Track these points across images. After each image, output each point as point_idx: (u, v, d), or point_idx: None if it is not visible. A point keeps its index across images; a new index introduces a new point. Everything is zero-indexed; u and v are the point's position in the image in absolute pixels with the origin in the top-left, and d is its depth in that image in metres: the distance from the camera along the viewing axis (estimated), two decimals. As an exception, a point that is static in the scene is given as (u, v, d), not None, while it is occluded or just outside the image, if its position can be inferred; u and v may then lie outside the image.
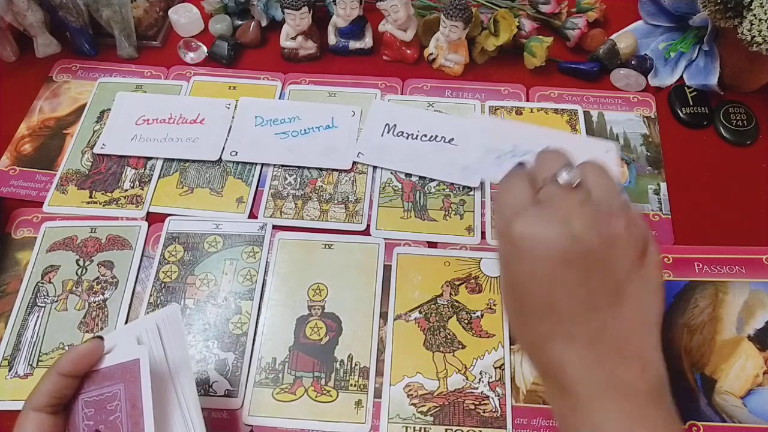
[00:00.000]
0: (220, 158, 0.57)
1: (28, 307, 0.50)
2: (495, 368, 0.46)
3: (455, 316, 0.49)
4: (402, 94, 0.62)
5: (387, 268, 0.51)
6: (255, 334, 0.48)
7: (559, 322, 0.32)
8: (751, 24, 0.50)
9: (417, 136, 0.58)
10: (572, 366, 0.32)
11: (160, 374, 0.37)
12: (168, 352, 0.37)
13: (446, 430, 0.44)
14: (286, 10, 0.60)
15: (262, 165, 0.57)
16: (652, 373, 0.33)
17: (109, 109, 0.61)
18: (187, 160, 0.58)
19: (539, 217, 0.32)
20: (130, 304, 0.50)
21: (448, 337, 0.48)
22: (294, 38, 0.63)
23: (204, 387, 0.46)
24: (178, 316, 0.38)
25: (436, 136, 0.58)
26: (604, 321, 0.32)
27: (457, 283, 0.50)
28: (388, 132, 0.58)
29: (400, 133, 0.58)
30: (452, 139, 0.58)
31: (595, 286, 0.32)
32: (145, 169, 0.57)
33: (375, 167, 0.57)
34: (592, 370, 0.32)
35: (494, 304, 0.49)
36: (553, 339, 0.33)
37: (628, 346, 0.32)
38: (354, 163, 0.57)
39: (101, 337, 0.36)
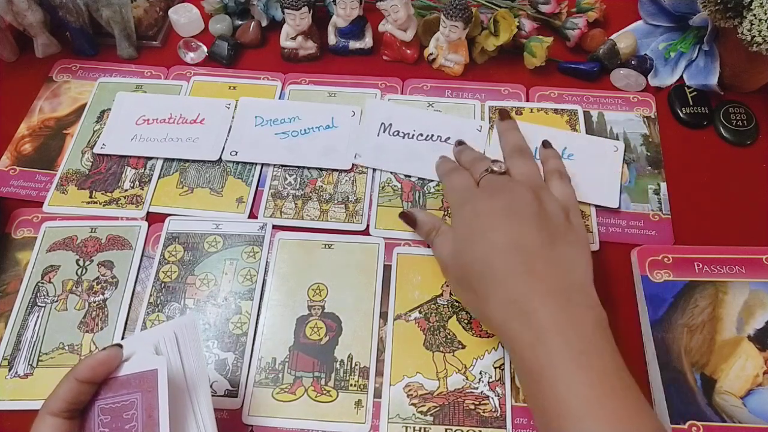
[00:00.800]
0: (220, 158, 0.57)
1: (28, 307, 0.50)
2: (495, 368, 0.46)
3: (455, 316, 0.49)
4: (402, 93, 0.62)
5: (387, 268, 0.51)
6: (255, 334, 0.48)
7: (516, 271, 0.40)
8: (751, 24, 0.50)
9: (413, 135, 0.58)
10: (535, 312, 0.38)
11: (177, 385, 0.37)
12: (185, 363, 0.37)
13: (446, 430, 0.44)
14: (286, 10, 0.60)
15: (262, 165, 0.57)
16: (595, 312, 0.39)
17: (109, 109, 0.61)
18: (187, 160, 0.58)
19: (485, 196, 0.45)
20: (130, 304, 0.50)
21: (448, 337, 0.48)
22: (294, 38, 0.63)
23: (204, 387, 0.46)
24: (196, 325, 0.38)
25: (432, 135, 0.58)
26: (547, 256, 0.40)
27: (457, 283, 0.50)
28: (383, 131, 0.58)
29: (396, 133, 0.58)
30: (448, 138, 0.58)
31: (536, 230, 0.41)
32: (145, 169, 0.57)
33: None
34: (545, 310, 0.38)
35: (494, 304, 0.49)
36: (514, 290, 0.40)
37: (568, 280, 0.40)
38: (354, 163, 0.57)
39: (120, 345, 0.36)
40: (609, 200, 0.54)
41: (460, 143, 0.55)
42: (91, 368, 0.35)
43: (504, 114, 0.56)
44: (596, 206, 0.54)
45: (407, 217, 0.50)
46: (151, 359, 0.36)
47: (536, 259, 0.40)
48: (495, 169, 0.47)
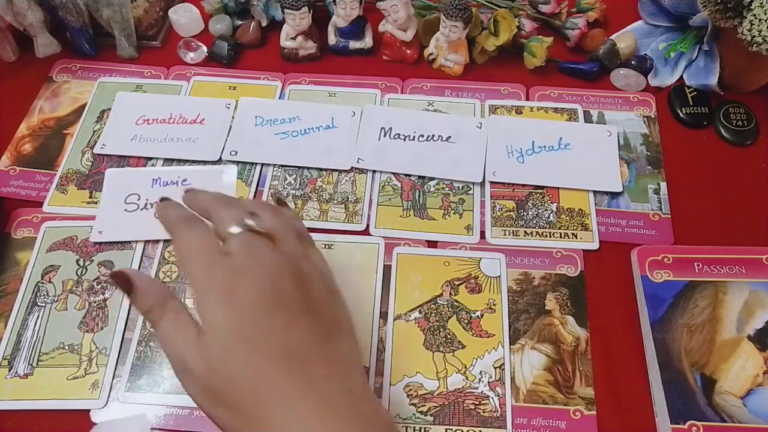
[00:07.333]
0: (220, 158, 0.57)
1: (28, 306, 0.49)
2: (495, 368, 0.46)
3: (455, 316, 0.49)
4: (402, 93, 0.62)
5: (387, 268, 0.51)
6: (255, 334, 0.48)
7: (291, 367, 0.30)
8: (751, 24, 0.50)
9: (414, 137, 0.58)
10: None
11: None
12: None
13: (446, 430, 0.44)
14: (286, 10, 0.60)
15: (262, 165, 0.57)
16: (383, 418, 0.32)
17: (109, 109, 0.61)
18: (187, 160, 0.58)
19: (243, 274, 0.31)
20: (130, 304, 0.50)
21: (448, 337, 0.48)
22: (294, 38, 0.63)
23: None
24: None
25: (433, 135, 0.58)
26: (325, 357, 0.31)
27: (457, 282, 0.50)
28: (384, 136, 0.58)
29: (396, 136, 0.58)
30: (449, 137, 0.58)
31: (308, 326, 0.31)
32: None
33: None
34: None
35: (494, 304, 0.49)
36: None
37: (351, 381, 0.31)
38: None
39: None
40: (611, 185, 0.54)
41: (190, 190, 0.39)
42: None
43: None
44: (600, 192, 0.54)
45: (120, 279, 0.34)
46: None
47: (314, 367, 0.30)
48: (252, 224, 0.33)
